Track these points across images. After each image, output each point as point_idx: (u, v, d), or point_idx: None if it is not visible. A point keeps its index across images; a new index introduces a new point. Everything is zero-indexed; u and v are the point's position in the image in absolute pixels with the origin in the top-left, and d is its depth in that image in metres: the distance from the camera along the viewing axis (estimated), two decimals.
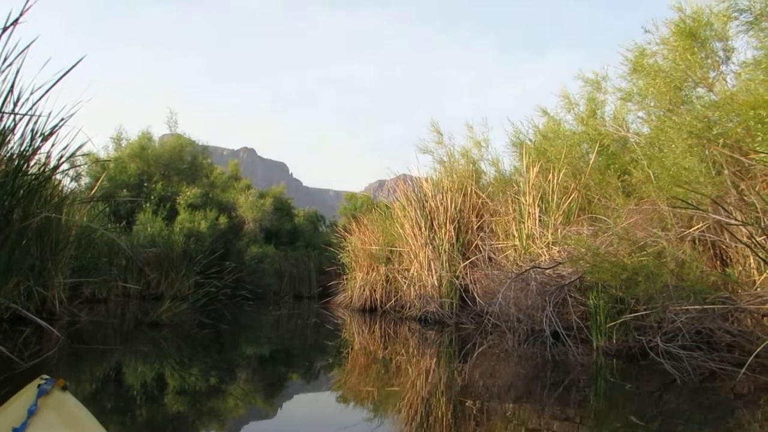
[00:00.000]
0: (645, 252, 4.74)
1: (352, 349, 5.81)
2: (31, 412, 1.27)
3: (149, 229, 13.58)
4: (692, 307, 3.95)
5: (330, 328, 8.14)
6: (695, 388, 3.45)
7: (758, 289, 4.66)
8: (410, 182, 10.15)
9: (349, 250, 12.60)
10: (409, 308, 9.25)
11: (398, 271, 10.13)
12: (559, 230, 6.31)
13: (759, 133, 3.43)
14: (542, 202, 6.86)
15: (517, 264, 6.33)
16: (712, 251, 5.55)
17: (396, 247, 10.20)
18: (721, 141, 4.36)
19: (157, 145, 18.05)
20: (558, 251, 5.98)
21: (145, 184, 16.38)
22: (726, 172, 4.99)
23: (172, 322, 6.39)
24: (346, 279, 13.01)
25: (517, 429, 2.74)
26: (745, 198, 4.39)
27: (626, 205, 5.86)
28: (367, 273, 11.59)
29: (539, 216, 6.82)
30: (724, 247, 5.45)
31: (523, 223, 7.00)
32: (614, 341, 4.75)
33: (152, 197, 15.92)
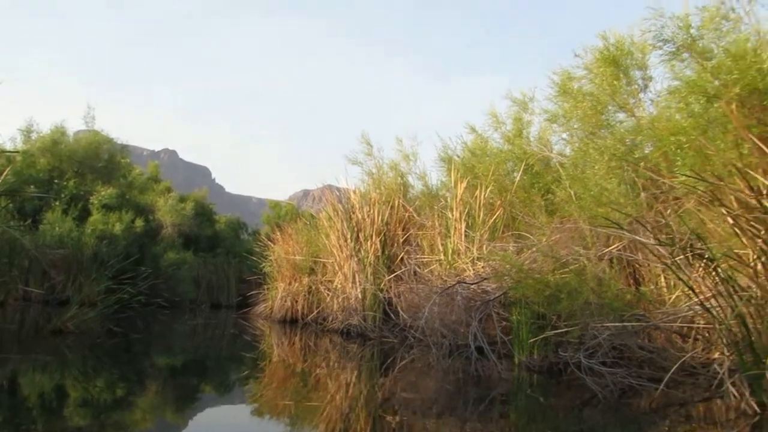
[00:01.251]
0: (567, 269, 4.86)
1: (270, 361, 5.65)
2: None
3: (57, 229, 12.75)
4: (612, 324, 4.06)
5: (248, 339, 7.92)
6: (614, 403, 3.52)
7: (668, 308, 4.86)
8: (337, 193, 10.06)
9: (272, 260, 12.34)
10: (332, 321, 9.12)
11: (322, 282, 9.99)
12: (485, 246, 6.38)
13: (678, 158, 3.57)
14: (468, 217, 6.94)
15: (442, 279, 6.35)
16: (627, 270, 5.78)
17: (320, 258, 10.06)
18: (642, 164, 4.54)
19: (71, 140, 17.06)
20: (483, 267, 6.04)
21: (56, 181, 15.41)
22: (643, 194, 5.22)
23: (78, 330, 5.98)
24: (268, 289, 12.73)
25: None
26: (659, 219, 4.57)
27: (549, 223, 6.01)
28: (290, 283, 11.37)
29: (465, 231, 6.88)
30: (638, 266, 5.69)
31: (449, 237, 7.05)
32: (536, 357, 4.81)
33: (63, 195, 14.98)
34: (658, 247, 3.96)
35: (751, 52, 3.55)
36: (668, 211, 4.25)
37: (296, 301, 11.04)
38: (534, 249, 5.29)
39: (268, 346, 7.18)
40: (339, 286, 8.95)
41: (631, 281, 5.75)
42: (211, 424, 3.01)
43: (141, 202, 17.16)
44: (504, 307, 5.27)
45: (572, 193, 6.10)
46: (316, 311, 10.25)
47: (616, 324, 4.06)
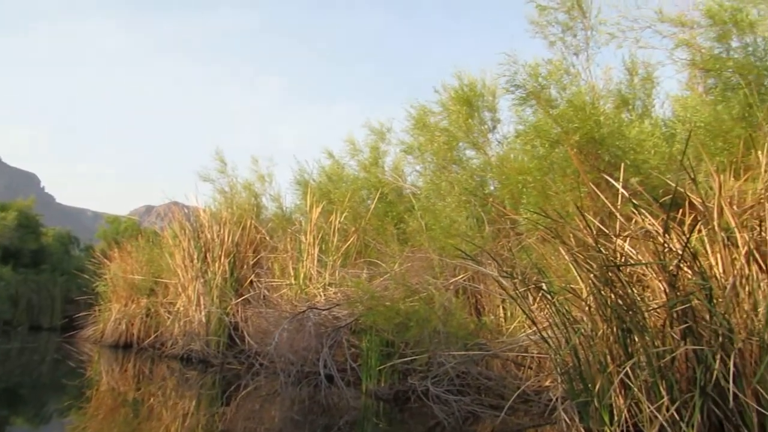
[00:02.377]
0: (416, 298, 4.97)
1: (97, 389, 5.20)
2: None
3: None
4: (457, 353, 4.19)
5: (72, 366, 7.25)
6: (458, 430, 3.61)
7: (506, 337, 5.15)
8: (185, 210, 9.58)
9: (107, 278, 11.41)
10: (171, 346, 8.57)
11: (162, 304, 9.38)
12: (337, 272, 6.37)
13: (523, 196, 3.82)
14: (322, 242, 6.91)
15: (293, 303, 6.22)
16: (470, 301, 6.05)
17: (163, 279, 9.46)
18: (491, 199, 4.80)
19: None
20: (335, 293, 6.01)
21: None
22: (488, 228, 5.53)
23: None
24: (99, 310, 11.74)
25: None
26: (503, 253, 4.85)
27: (401, 251, 6.15)
28: (126, 305, 10.55)
29: (318, 256, 6.83)
30: (479, 297, 5.99)
31: (302, 262, 6.95)
32: (383, 384, 4.84)
33: None
34: (501, 279, 4.18)
35: (589, 105, 3.91)
36: (511, 245, 4.51)
37: (132, 324, 10.25)
38: (386, 276, 5.36)
39: (96, 373, 6.62)
40: (181, 308, 8.45)
41: (473, 311, 6.03)
42: None
43: None
44: (354, 334, 5.27)
45: (423, 223, 6.32)
46: (154, 335, 9.58)
47: (461, 353, 4.21)
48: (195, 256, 8.48)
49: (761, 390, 2.64)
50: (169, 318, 8.92)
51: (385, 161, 8.31)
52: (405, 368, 4.90)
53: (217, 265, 8.25)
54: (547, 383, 4.48)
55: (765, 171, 3.15)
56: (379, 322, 4.70)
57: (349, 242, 6.85)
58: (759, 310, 2.72)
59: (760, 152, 3.25)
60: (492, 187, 6.17)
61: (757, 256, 2.77)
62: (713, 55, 4.20)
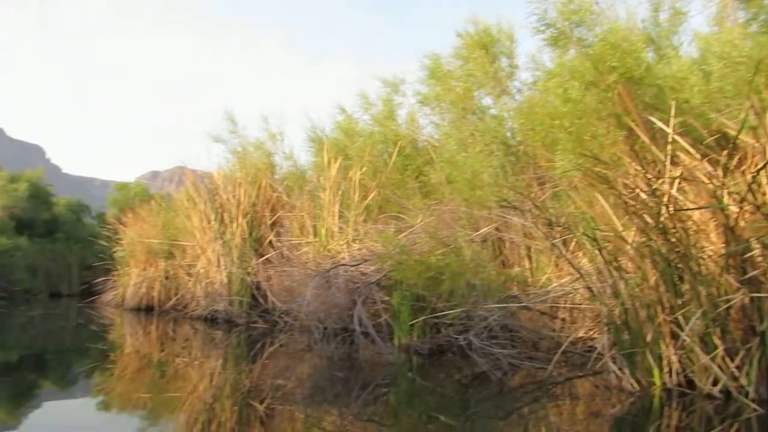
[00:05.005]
0: (445, 250, 4.87)
1: (122, 352, 5.19)
2: None
3: None
4: (495, 305, 4.11)
5: (95, 330, 7.27)
6: (498, 382, 3.55)
7: (538, 289, 5.07)
8: (195, 173, 9.44)
9: (123, 244, 11.41)
10: (194, 307, 8.60)
11: (181, 266, 9.37)
12: (360, 227, 6.27)
13: (559, 142, 3.66)
14: (343, 198, 6.79)
15: (316, 261, 6.15)
16: (496, 253, 5.96)
17: (180, 242, 9.42)
18: (522, 147, 4.65)
19: None
20: (359, 249, 5.92)
21: None
22: (516, 178, 5.38)
23: None
24: (118, 275, 11.80)
25: (311, 430, 2.56)
26: (538, 202, 4.72)
27: (424, 205, 6.03)
28: (144, 269, 10.58)
29: (339, 212, 6.72)
30: (504, 248, 5.89)
31: (322, 219, 6.85)
32: (416, 338, 4.79)
33: None
34: (535, 228, 4.06)
35: (625, 42, 3.71)
36: (544, 194, 4.38)
37: (152, 288, 10.30)
38: (412, 230, 5.26)
39: (120, 336, 6.63)
40: (202, 270, 8.43)
41: (499, 264, 5.95)
42: (55, 423, 2.62)
43: None
44: (383, 290, 5.20)
45: (444, 176, 6.18)
46: (175, 298, 9.63)
47: (499, 305, 4.12)
48: (212, 218, 8.41)
49: None
50: (189, 280, 8.92)
51: (400, 114, 8.11)
52: (435, 322, 4.85)
53: (234, 225, 8.18)
54: (581, 334, 4.42)
55: None
56: (410, 277, 4.62)
57: (369, 197, 6.73)
58: None
59: None
60: (509, 134, 6.01)
61: None
62: None
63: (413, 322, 4.74)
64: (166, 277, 10.13)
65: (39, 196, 18.24)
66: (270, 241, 8.07)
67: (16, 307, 10.54)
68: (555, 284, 4.86)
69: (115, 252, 11.86)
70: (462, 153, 6.03)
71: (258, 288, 7.68)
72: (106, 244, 12.41)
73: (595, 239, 3.05)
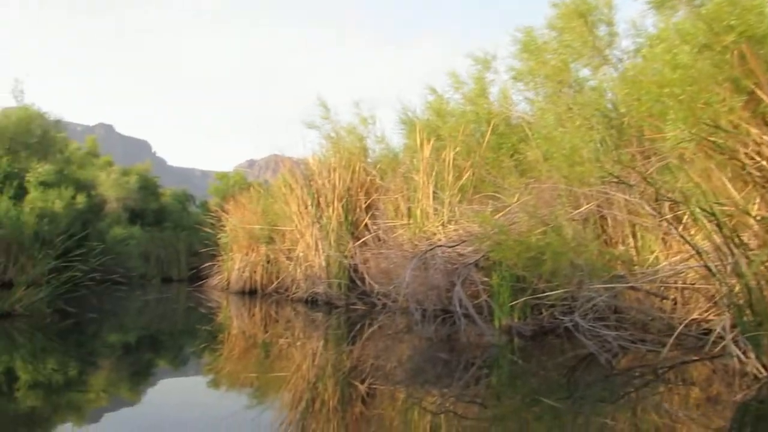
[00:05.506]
0: (545, 229, 4.72)
1: (229, 333, 5.42)
2: None
3: None
4: (601, 286, 3.95)
5: (204, 312, 7.65)
6: (606, 364, 3.42)
7: (646, 268, 4.81)
8: (292, 160, 9.67)
9: (227, 230, 11.93)
10: (295, 290, 8.87)
11: (281, 251, 9.68)
12: (456, 208, 6.21)
13: (670, 111, 3.43)
14: (437, 179, 6.74)
15: (413, 243, 6.15)
16: (597, 231, 5.71)
17: (279, 227, 9.73)
18: (625, 120, 4.41)
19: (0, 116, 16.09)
20: (454, 229, 5.87)
21: None
22: (621, 152, 5.11)
23: (27, 312, 5.55)
24: (222, 260, 12.36)
25: (413, 410, 2.55)
26: (643, 177, 4.46)
27: (520, 184, 5.87)
28: (247, 253, 11.02)
29: (434, 193, 6.68)
30: (606, 227, 5.62)
31: (417, 201, 6.84)
32: (517, 320, 4.70)
33: None
34: (645, 204, 3.84)
35: None
36: (652, 169, 4.13)
37: (255, 272, 10.72)
38: (510, 210, 5.14)
39: (226, 318, 6.94)
40: (301, 254, 8.67)
41: (602, 242, 5.70)
42: (171, 400, 2.78)
43: (81, 177, 16.29)
44: (481, 271, 5.12)
45: (540, 153, 5.98)
46: (276, 281, 9.97)
47: (606, 285, 3.95)
48: (309, 203, 8.61)
49: None
50: (289, 264, 9.19)
51: (492, 92, 7.93)
52: (536, 303, 4.73)
53: (331, 209, 8.34)
54: (694, 315, 4.16)
55: None
56: (509, 257, 4.52)
57: (464, 178, 6.64)
58: None
59: None
60: (610, 106, 5.72)
61: None
62: None
63: (514, 303, 4.64)
64: (268, 261, 10.50)
65: (148, 187, 19.44)
66: (365, 224, 8.17)
67: (132, 292, 11.29)
68: (664, 263, 4.61)
69: (219, 238, 12.40)
70: (559, 128, 5.82)
71: (355, 270, 7.80)
72: (210, 231, 13.01)
73: (713, 214, 2.83)
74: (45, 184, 14.38)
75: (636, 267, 4.86)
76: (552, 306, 4.47)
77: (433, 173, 6.78)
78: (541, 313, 4.68)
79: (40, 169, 14.79)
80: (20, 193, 13.84)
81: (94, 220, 15.03)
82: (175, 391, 3.00)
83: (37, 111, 16.76)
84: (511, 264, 4.56)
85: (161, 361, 4.06)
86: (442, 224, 6.24)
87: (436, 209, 6.57)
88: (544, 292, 4.47)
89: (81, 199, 14.67)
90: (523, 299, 4.55)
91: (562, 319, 4.10)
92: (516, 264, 4.53)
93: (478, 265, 5.00)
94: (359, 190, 8.50)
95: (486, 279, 4.99)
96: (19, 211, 12.36)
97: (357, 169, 8.56)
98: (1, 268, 11.34)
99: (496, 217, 5.23)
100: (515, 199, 5.42)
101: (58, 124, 17.71)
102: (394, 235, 7.07)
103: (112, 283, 11.09)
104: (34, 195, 13.75)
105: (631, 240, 5.34)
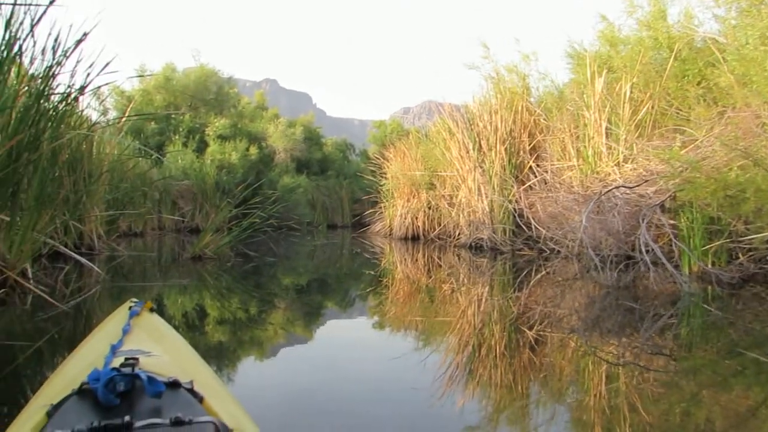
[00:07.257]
0: (745, 164, 4.16)
1: (393, 278, 5.47)
2: (126, 331, 1.38)
3: (180, 161, 13.29)
4: None
5: (368, 257, 7.85)
6: None
7: None
8: (441, 108, 9.49)
9: (388, 177, 12.14)
10: (458, 235, 8.84)
11: (443, 197, 9.66)
12: (634, 145, 5.70)
13: None
14: (611, 115, 6.22)
15: (585, 185, 5.78)
16: None
17: (439, 173, 9.69)
18: None
19: (181, 76, 17.63)
20: (632, 169, 5.40)
21: (173, 117, 16.03)
22: None
23: (215, 256, 6.09)
24: (384, 207, 12.64)
25: (587, 359, 2.37)
26: None
27: (710, 114, 5.23)
28: (408, 200, 11.17)
29: (607, 131, 6.19)
30: None
31: (588, 140, 6.39)
32: (711, 266, 4.24)
33: (180, 129, 15.63)
34: None
35: None
36: None
37: (416, 218, 10.86)
38: (699, 144, 4.59)
39: (390, 263, 7.05)
40: (463, 199, 8.58)
41: None
42: (343, 340, 2.85)
43: (252, 130, 17.50)
44: (666, 213, 4.67)
45: (737, 77, 5.26)
46: (438, 227, 10.02)
47: None
48: (470, 147, 8.44)
49: None
50: (451, 209, 9.16)
51: (671, 13, 7.09)
52: (731, 247, 4.23)
53: (493, 153, 8.11)
54: None
55: None
56: (702, 197, 4.05)
57: (642, 112, 6.07)
58: None
59: None
60: None
61: None
62: None
63: (707, 247, 4.19)
64: (429, 208, 10.56)
65: (312, 138, 20.36)
66: (530, 167, 7.85)
67: (303, 238, 11.96)
68: None
69: (380, 185, 12.65)
70: (761, 47, 5.06)
71: (521, 215, 7.56)
72: (371, 178, 13.32)
73: None
74: (222, 138, 15.63)
75: None
76: (753, 249, 3.97)
77: (606, 108, 6.27)
78: (737, 258, 4.17)
79: (217, 123, 16.10)
80: (201, 147, 15.17)
81: (265, 170, 16.10)
82: (344, 331, 3.08)
83: (212, 69, 18.17)
84: (705, 204, 4.09)
85: (331, 302, 4.20)
86: (617, 164, 5.78)
87: (609, 147, 6.10)
88: (744, 234, 3.98)
89: (253, 151, 15.76)
90: (719, 242, 4.09)
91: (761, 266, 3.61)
92: (710, 204, 4.05)
93: (664, 206, 4.56)
94: (523, 131, 8.16)
95: (672, 222, 4.54)
96: (202, 163, 13.56)
97: (520, 109, 8.20)
98: (189, 216, 12.60)
99: (683, 152, 4.71)
100: (703, 133, 4.84)
101: (230, 80, 19.08)
102: (562, 177, 6.70)
103: (288, 229, 11.85)
104: (213, 148, 15.01)
105: None
